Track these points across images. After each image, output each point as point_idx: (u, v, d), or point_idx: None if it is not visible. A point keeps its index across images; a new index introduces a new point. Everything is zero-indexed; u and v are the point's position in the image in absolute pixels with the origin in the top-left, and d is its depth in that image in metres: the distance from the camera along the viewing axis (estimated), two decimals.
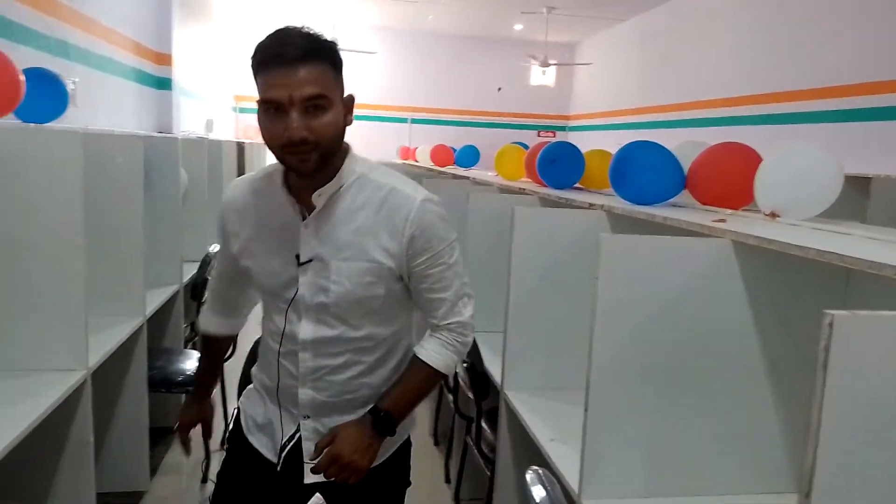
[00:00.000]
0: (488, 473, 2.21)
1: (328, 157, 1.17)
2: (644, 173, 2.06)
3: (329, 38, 1.16)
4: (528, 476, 1.21)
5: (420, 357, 1.32)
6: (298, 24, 1.15)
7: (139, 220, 2.56)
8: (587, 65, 9.75)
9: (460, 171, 4.97)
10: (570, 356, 2.02)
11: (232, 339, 1.63)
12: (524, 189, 2.92)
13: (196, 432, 1.59)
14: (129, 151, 2.50)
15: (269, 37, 1.13)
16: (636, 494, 1.44)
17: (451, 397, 2.72)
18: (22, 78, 2.16)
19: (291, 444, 1.33)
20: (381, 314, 1.29)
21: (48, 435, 1.95)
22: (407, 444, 1.46)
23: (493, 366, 2.20)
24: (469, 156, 5.77)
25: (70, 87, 2.49)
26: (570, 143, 2.90)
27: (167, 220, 3.04)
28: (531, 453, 1.78)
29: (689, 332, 1.41)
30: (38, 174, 1.87)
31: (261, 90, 1.13)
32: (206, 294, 1.64)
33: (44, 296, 1.91)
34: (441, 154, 6.03)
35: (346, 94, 1.19)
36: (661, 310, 1.41)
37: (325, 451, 1.25)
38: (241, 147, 5.65)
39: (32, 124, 2.18)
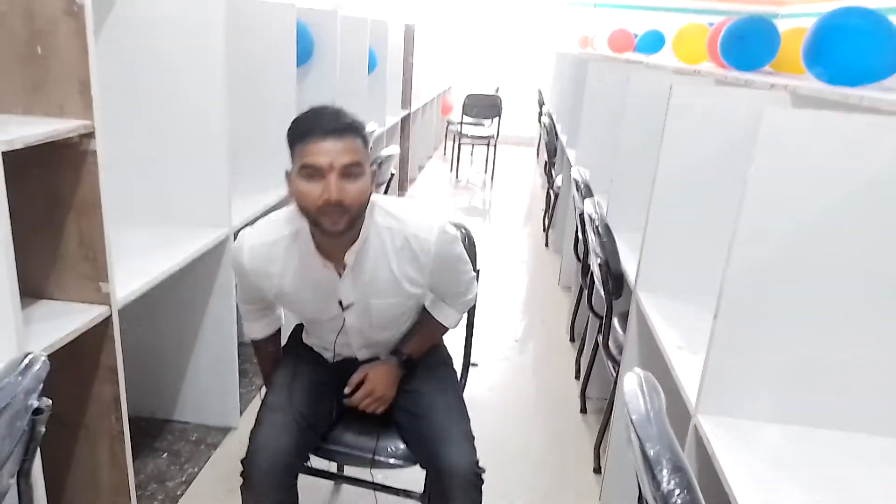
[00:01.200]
0: (613, 375, 2.07)
1: (356, 221, 1.30)
2: (847, 45, 1.63)
3: (360, 121, 1.30)
4: (627, 380, 1.06)
5: (440, 321, 1.58)
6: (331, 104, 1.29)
7: (292, 91, 2.60)
8: None
9: (638, 57, 4.49)
10: (718, 259, 1.76)
11: (279, 334, 1.68)
12: (699, 71, 2.53)
13: None
14: (281, 20, 2.51)
15: (309, 113, 1.27)
16: (761, 417, 1.23)
17: (586, 294, 2.56)
18: None
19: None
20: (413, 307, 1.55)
21: (196, 282, 2.13)
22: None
23: (629, 265, 2.00)
24: (652, 42, 5.15)
25: None
26: (762, 18, 2.42)
27: (324, 94, 3.09)
28: (658, 359, 1.60)
29: (863, 236, 1.12)
30: (181, 33, 1.92)
31: (301, 156, 1.24)
32: (239, 309, 1.64)
33: (190, 153, 2.02)
34: (620, 39, 5.47)
35: (371, 169, 1.32)
36: (831, 205, 1.12)
37: (359, 386, 1.50)
38: (409, 30, 5.56)
39: None
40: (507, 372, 2.90)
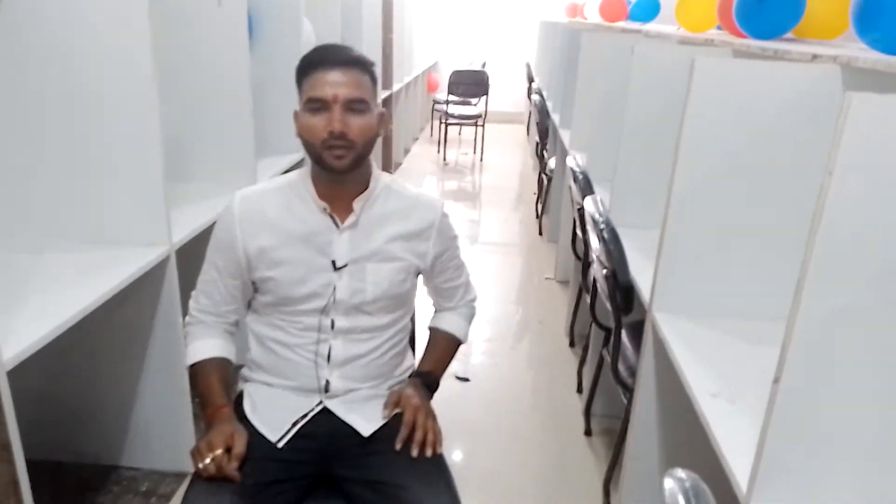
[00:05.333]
0: (625, 401, 1.78)
1: (361, 159, 1.23)
2: None
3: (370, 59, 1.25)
4: (668, 486, 0.76)
5: (448, 331, 1.46)
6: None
7: (246, 77, 2.26)
8: None
9: (633, 26, 4.13)
10: (755, 273, 1.46)
11: (229, 364, 1.35)
12: (713, 40, 2.20)
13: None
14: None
15: (318, 47, 1.24)
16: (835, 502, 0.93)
17: (588, 300, 2.26)
18: None
19: (304, 421, 1.29)
20: (403, 304, 1.37)
21: (135, 310, 1.82)
22: None
23: (640, 272, 1.69)
24: (646, 8, 4.79)
25: None
26: None
27: (285, 79, 2.73)
28: (682, 404, 1.31)
29: None
30: (94, 22, 1.58)
31: (307, 90, 1.20)
32: (189, 325, 1.37)
33: (115, 161, 1.68)
34: (612, 7, 5.09)
35: (379, 110, 1.26)
36: None
37: (406, 419, 1.26)
38: (387, 2, 5.17)
39: None
40: (502, 386, 2.60)
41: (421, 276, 1.42)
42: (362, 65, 1.22)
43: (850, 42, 1.84)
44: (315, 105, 1.19)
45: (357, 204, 1.27)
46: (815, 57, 1.42)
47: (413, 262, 1.33)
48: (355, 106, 1.19)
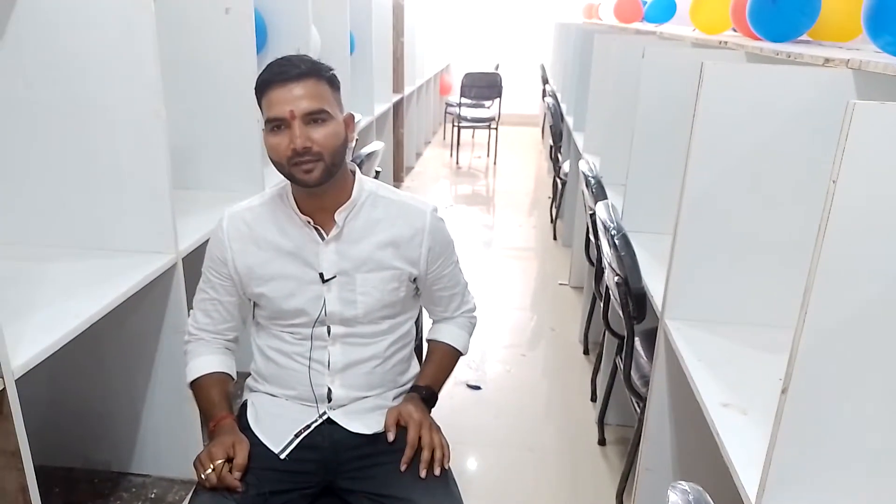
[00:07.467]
0: (637, 411, 1.76)
1: (332, 169, 1.20)
2: None
3: (326, 64, 1.23)
4: (672, 499, 0.74)
5: (447, 342, 1.42)
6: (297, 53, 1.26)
7: (253, 84, 2.26)
8: None
9: (648, 27, 4.10)
10: (769, 280, 1.43)
11: (229, 379, 1.36)
12: (726, 42, 2.17)
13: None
14: (237, 1, 2.17)
15: (270, 63, 1.20)
16: None
17: (601, 306, 2.23)
18: None
19: (307, 432, 1.28)
20: (401, 311, 1.35)
21: (142, 318, 1.83)
22: None
23: (654, 279, 1.66)
24: (662, 9, 4.75)
25: None
26: None
27: None
28: (695, 414, 1.28)
29: None
30: (100, 31, 1.59)
31: (265, 111, 1.18)
32: (189, 343, 1.38)
33: (120, 169, 1.70)
34: (627, 8, 5.04)
35: (345, 113, 1.23)
36: None
37: (410, 439, 1.23)
38: (398, 6, 5.17)
39: None
40: (515, 395, 2.57)
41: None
42: (317, 73, 1.18)
43: (866, 44, 1.81)
44: (275, 124, 1.16)
45: (339, 216, 1.25)
46: (827, 61, 1.39)
47: (405, 269, 1.29)
48: (315, 117, 1.16)
